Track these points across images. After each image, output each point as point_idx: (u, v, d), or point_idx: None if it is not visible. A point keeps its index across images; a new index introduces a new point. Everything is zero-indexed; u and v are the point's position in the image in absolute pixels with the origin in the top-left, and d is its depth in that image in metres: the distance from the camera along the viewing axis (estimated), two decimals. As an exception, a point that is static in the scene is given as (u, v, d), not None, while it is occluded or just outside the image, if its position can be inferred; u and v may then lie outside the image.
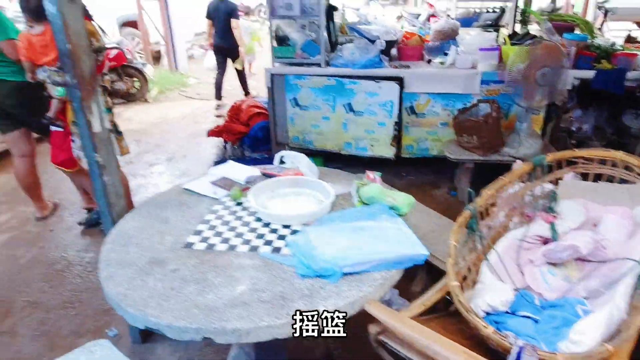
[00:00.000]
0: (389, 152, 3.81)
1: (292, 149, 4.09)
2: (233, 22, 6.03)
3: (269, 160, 4.24)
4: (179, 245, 1.69)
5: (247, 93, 7.02)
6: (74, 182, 3.46)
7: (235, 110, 4.55)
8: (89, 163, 1.90)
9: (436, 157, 3.83)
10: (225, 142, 4.53)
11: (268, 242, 1.66)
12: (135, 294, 1.43)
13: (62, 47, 1.66)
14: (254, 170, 2.35)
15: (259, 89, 7.35)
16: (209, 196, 2.08)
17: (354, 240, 1.54)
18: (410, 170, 4.06)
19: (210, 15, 6.19)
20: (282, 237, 1.68)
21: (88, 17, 2.85)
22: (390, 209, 1.75)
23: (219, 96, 6.73)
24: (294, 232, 1.71)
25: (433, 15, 7.79)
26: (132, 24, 8.21)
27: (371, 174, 2.08)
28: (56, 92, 2.74)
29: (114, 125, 2.98)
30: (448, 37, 4.06)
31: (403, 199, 1.79)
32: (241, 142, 4.43)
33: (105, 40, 2.87)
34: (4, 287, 2.78)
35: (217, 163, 4.39)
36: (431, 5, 10.64)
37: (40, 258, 3.07)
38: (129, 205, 3.09)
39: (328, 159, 4.01)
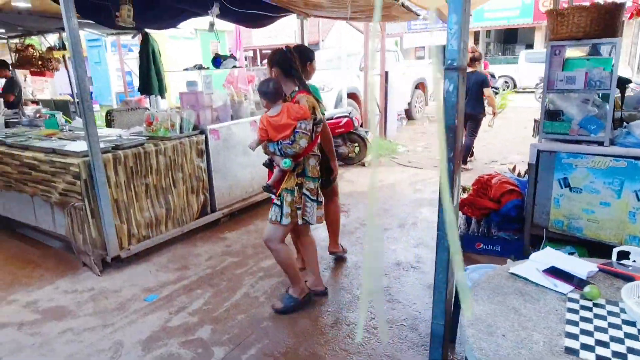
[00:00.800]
0: (699, 255, 3.09)
1: (551, 233, 3.67)
2: (485, 91, 6.46)
3: (520, 242, 3.94)
4: (556, 348, 1.43)
5: (464, 162, 6.96)
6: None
7: (483, 185, 4.30)
8: (439, 235, 1.80)
9: None
10: (468, 216, 4.28)
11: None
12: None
13: (451, 122, 1.68)
14: (588, 265, 2.01)
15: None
16: (549, 288, 1.82)
17: None
18: None
19: None
20: None
21: (308, 91, 2.94)
22: None
23: (464, 161, 6.96)
24: None
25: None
26: (353, 95, 8.91)
27: None
28: (284, 163, 2.82)
29: (317, 194, 2.99)
30: None
31: None
32: (487, 219, 4.13)
33: (321, 113, 2.97)
34: (290, 332, 2.90)
35: (459, 238, 4.16)
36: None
37: (305, 310, 3.16)
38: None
39: (594, 251, 3.48)
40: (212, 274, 3.65)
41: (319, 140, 3.03)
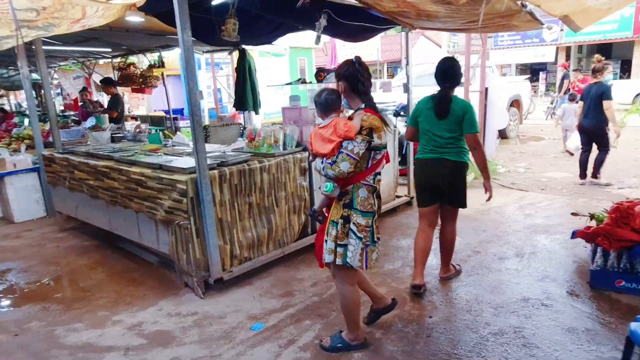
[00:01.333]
0: None
1: None
2: (605, 103, 6.04)
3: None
4: None
5: (594, 176, 6.58)
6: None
7: (623, 212, 3.69)
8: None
9: None
10: (604, 249, 3.68)
11: None
12: None
13: None
14: None
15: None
16: None
17: None
18: None
19: (583, 97, 6.46)
20: None
21: (375, 110, 2.54)
22: None
23: (583, 175, 6.67)
24: None
25: None
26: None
27: None
28: (325, 187, 2.45)
29: (369, 232, 2.50)
30: None
31: None
32: (630, 252, 3.52)
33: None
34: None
35: (596, 273, 3.60)
36: None
37: (431, 352, 2.77)
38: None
39: None
40: (319, 303, 3.37)
41: (378, 169, 2.55)
